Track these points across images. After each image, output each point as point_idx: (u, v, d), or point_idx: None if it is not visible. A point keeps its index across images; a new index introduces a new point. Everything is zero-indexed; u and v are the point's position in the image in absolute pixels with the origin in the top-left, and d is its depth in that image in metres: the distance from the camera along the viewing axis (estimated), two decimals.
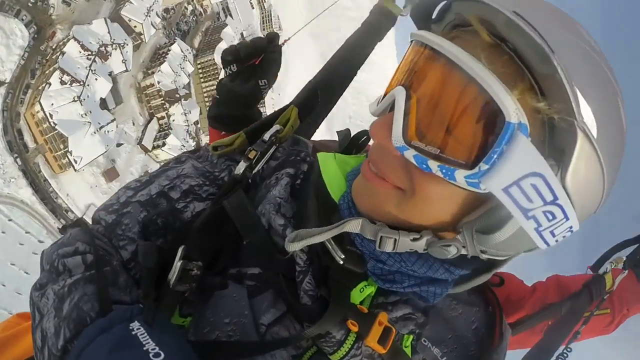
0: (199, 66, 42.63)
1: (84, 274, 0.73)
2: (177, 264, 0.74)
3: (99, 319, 0.66)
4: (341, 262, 0.74)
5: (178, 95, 37.14)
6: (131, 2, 36.26)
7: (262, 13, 57.45)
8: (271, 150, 0.92)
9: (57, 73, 30.70)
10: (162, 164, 1.00)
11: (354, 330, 0.73)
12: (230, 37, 43.84)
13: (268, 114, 1.07)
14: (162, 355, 0.58)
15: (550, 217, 0.58)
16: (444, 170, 0.59)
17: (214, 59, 41.53)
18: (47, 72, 32.31)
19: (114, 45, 34.42)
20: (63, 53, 31.53)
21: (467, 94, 0.58)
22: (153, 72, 37.35)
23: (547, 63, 0.53)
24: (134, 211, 0.85)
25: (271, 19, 57.43)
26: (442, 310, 0.86)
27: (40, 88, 31.19)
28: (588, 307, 1.37)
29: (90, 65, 32.63)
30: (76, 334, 0.66)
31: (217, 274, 0.80)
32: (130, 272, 0.80)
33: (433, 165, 0.60)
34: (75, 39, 32.11)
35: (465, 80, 0.58)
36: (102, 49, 33.85)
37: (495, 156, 0.56)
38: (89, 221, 0.91)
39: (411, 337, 0.80)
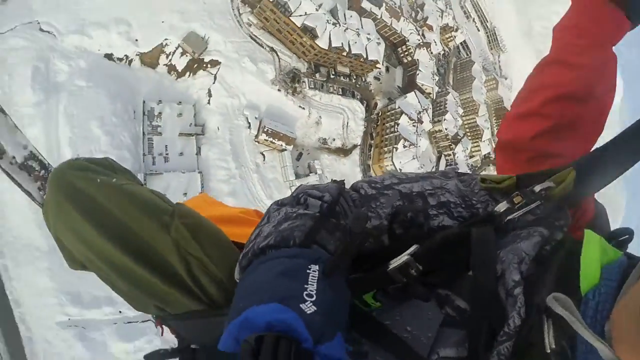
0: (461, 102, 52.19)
1: (314, 214, 0.86)
2: (405, 257, 0.80)
3: (295, 247, 0.77)
4: (548, 351, 0.70)
5: (459, 137, 47.57)
6: (420, 70, 45.39)
7: (487, 33, 65.92)
8: (534, 204, 0.91)
9: (402, 141, 38.45)
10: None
11: None
12: (478, 72, 55.41)
13: (543, 169, 0.99)
14: (314, 297, 0.61)
15: None
16: None
17: (471, 97, 53.31)
18: (381, 133, 40.77)
19: (422, 111, 42.05)
20: (398, 124, 39.40)
21: None
22: (439, 121, 45.63)
23: None
24: (392, 196, 0.97)
25: (496, 37, 65.17)
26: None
27: (383, 147, 40.23)
28: None
29: (416, 130, 40.02)
30: (275, 245, 0.80)
31: (423, 285, 0.83)
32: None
33: None
34: (404, 112, 39.58)
35: None
36: (418, 115, 40.87)
37: None
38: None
39: None
